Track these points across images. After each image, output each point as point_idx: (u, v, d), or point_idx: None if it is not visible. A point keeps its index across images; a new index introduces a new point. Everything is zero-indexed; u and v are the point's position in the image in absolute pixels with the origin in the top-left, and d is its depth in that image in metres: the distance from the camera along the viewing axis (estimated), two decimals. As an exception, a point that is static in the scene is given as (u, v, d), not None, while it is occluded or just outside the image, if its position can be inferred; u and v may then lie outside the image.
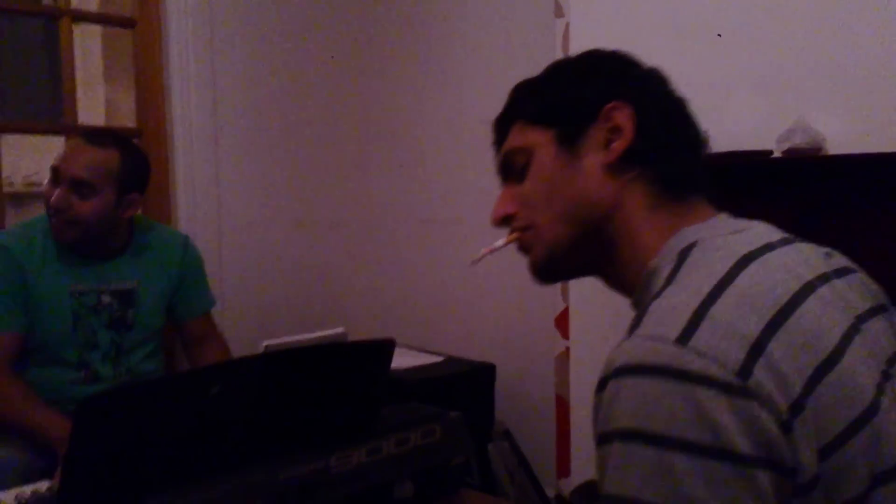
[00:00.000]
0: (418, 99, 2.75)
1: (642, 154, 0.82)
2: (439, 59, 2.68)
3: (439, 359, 2.41)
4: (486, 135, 2.54)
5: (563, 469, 2.30)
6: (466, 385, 2.30)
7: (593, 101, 0.84)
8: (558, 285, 2.26)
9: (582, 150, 0.84)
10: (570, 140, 0.84)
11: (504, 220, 0.90)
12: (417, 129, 2.76)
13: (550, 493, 2.31)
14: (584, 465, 2.22)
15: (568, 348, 2.28)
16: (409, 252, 2.82)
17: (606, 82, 0.85)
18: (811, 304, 0.68)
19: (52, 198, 1.81)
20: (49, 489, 1.30)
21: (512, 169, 0.90)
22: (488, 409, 2.32)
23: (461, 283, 2.64)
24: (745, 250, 0.73)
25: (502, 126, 0.92)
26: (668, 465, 0.60)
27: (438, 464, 1.23)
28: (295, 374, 1.07)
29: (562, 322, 2.30)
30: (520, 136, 0.89)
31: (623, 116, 0.82)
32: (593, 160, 0.83)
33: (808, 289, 0.70)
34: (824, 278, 0.74)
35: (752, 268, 0.70)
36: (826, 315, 0.69)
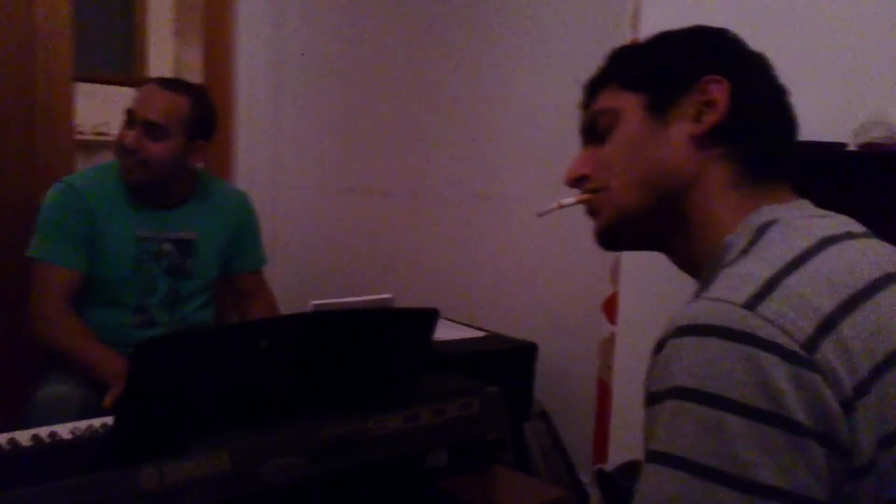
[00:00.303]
0: (478, 75, 2.74)
1: (732, 132, 0.80)
2: (501, 35, 2.67)
3: (481, 334, 2.42)
4: (543, 114, 2.54)
5: (600, 454, 2.30)
6: (507, 363, 2.31)
7: (690, 72, 0.82)
8: (608, 270, 2.25)
9: (671, 119, 0.82)
10: (660, 107, 0.83)
11: (578, 181, 0.89)
12: (475, 105, 2.76)
13: (585, 477, 2.31)
14: (622, 452, 2.22)
15: (614, 333, 2.28)
16: (458, 226, 2.83)
17: (708, 55, 0.84)
18: (888, 293, 0.67)
19: (126, 139, 1.88)
20: (104, 425, 1.35)
21: (595, 131, 0.89)
22: (527, 388, 2.32)
23: (509, 261, 2.65)
24: (827, 233, 0.71)
25: (594, 88, 0.91)
26: (722, 426, 0.59)
27: (473, 437, 1.25)
28: (340, 335, 1.10)
29: (609, 307, 2.29)
30: (610, 99, 0.87)
31: (719, 91, 0.81)
32: (681, 130, 0.81)
33: (888, 279, 0.68)
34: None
35: (833, 249, 0.69)
36: None
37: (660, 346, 0.66)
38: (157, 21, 3.88)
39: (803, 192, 0.85)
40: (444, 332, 2.32)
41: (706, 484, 0.59)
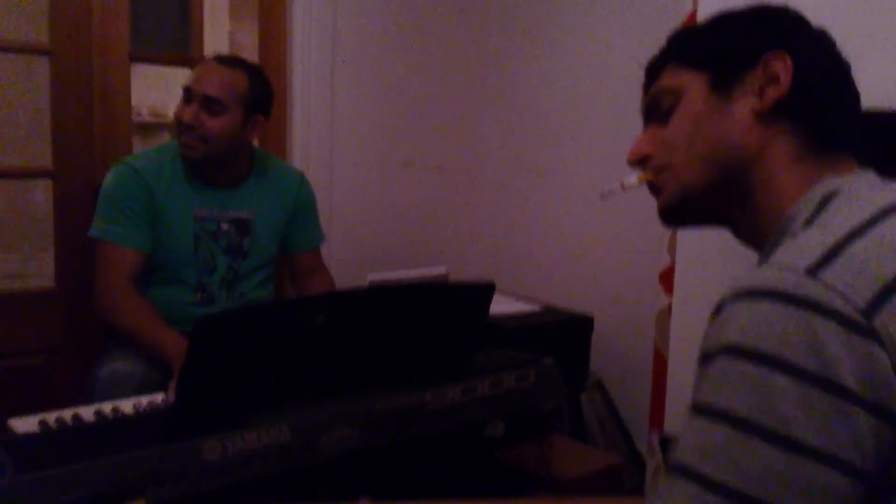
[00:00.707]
0: (536, 51, 2.72)
1: (795, 107, 0.80)
2: (560, 12, 2.64)
3: (537, 307, 2.42)
4: (599, 91, 2.51)
5: (656, 424, 2.29)
6: (563, 335, 2.31)
7: (753, 48, 0.83)
8: (665, 241, 2.22)
9: (734, 95, 0.83)
10: (723, 84, 0.84)
11: (641, 161, 0.90)
12: (531, 81, 2.73)
13: (641, 446, 2.30)
14: (678, 421, 2.20)
15: (670, 304, 2.25)
16: (514, 200, 2.83)
17: (770, 32, 0.84)
18: None
19: (184, 115, 1.91)
20: (164, 401, 1.39)
21: (657, 110, 0.89)
22: (583, 359, 2.32)
23: (565, 235, 2.63)
24: (890, 203, 0.70)
25: (655, 68, 0.92)
26: (769, 384, 0.59)
27: (530, 408, 1.25)
28: (397, 309, 1.11)
29: (666, 278, 2.26)
30: (672, 78, 0.88)
31: (782, 66, 0.81)
32: (744, 105, 0.82)
33: None
34: None
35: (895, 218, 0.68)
36: None
37: (718, 309, 0.66)
38: (212, 2, 3.93)
39: (868, 162, 0.83)
40: (500, 306, 2.32)
41: (745, 436, 0.60)
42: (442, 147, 2.91)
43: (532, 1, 2.72)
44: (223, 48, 3.95)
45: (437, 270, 1.83)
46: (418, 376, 1.12)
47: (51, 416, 1.18)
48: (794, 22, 0.86)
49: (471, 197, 2.92)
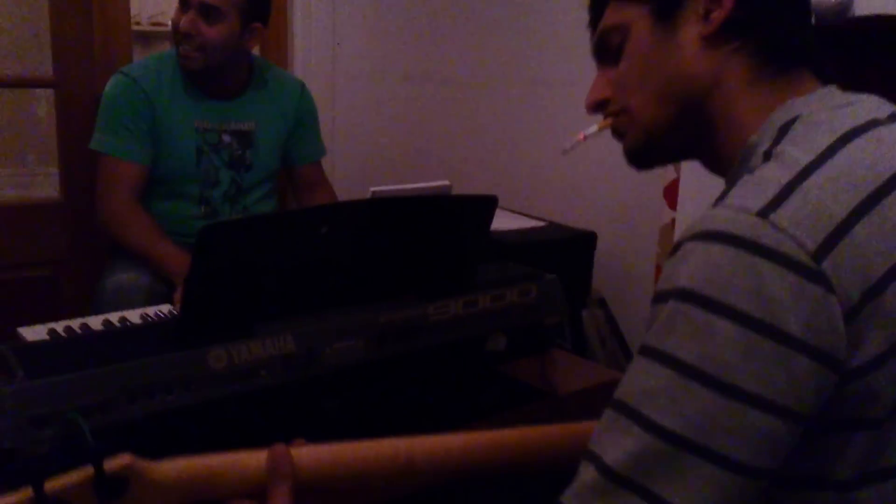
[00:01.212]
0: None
1: (743, 24, 0.77)
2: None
3: (540, 223, 2.42)
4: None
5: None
6: (566, 251, 2.31)
7: None
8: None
9: (679, 23, 0.80)
10: (666, 12, 0.80)
11: (599, 106, 0.88)
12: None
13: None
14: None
15: (674, 219, 2.25)
16: (517, 113, 2.79)
17: None
18: None
19: (181, 23, 1.87)
20: (170, 312, 1.40)
21: (607, 50, 0.87)
22: (586, 276, 2.33)
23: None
24: (850, 125, 0.69)
25: (597, 5, 0.89)
26: (713, 330, 0.60)
27: (532, 322, 1.26)
28: (399, 221, 1.11)
29: (670, 193, 2.26)
30: (615, 14, 0.85)
31: None
32: (691, 32, 0.79)
33: None
34: None
35: (857, 142, 0.67)
36: None
37: (675, 249, 0.66)
38: None
39: (830, 77, 0.81)
40: (503, 221, 2.32)
41: (686, 381, 0.61)
42: (444, 59, 2.87)
43: None
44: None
45: (440, 183, 1.82)
46: (421, 289, 1.13)
47: (59, 325, 1.20)
48: None
49: (474, 109, 2.89)
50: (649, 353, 0.64)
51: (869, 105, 0.74)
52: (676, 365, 0.62)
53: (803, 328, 0.59)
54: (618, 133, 0.88)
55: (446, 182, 1.84)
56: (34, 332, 1.18)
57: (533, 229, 2.37)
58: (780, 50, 0.78)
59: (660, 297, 0.66)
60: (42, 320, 1.23)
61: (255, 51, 2.07)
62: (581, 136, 0.93)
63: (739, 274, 0.60)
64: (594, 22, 0.89)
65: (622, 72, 0.85)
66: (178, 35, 1.90)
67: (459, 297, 1.15)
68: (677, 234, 2.37)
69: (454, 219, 1.18)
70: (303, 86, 2.18)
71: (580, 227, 2.37)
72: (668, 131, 0.83)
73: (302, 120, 2.14)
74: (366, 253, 1.08)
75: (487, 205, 1.20)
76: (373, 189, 1.54)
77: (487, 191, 1.22)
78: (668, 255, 0.67)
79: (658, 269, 2.31)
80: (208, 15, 1.86)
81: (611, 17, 0.86)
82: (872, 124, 0.70)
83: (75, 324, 1.21)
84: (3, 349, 0.89)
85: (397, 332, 1.09)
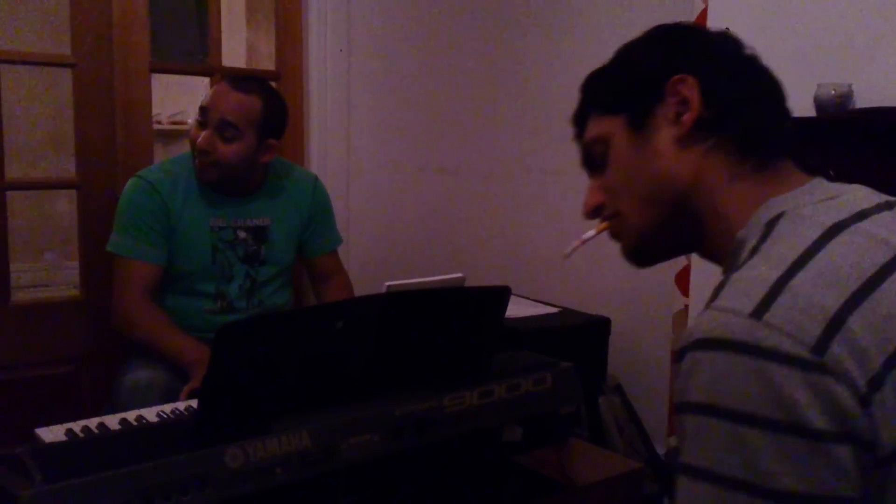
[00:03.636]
0: (549, 52, 2.72)
1: (714, 121, 0.80)
2: (572, 15, 2.64)
3: (554, 310, 2.42)
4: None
5: (675, 427, 2.29)
6: (580, 337, 2.31)
7: (656, 80, 0.83)
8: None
9: (653, 130, 0.83)
10: (639, 122, 0.84)
11: (595, 212, 0.92)
12: (544, 81, 2.74)
13: (660, 449, 2.30)
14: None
15: (687, 306, 2.25)
16: (528, 202, 2.83)
17: (666, 57, 0.84)
18: None
19: (199, 139, 1.92)
20: (187, 409, 1.41)
21: (593, 160, 0.91)
22: (601, 362, 2.32)
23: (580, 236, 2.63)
24: (834, 220, 0.70)
25: (580, 120, 0.93)
26: (743, 439, 0.61)
27: (548, 412, 1.26)
28: (414, 315, 1.12)
29: (682, 279, 2.27)
30: (595, 127, 0.90)
31: (687, 87, 0.81)
32: (665, 136, 0.82)
33: None
34: None
35: (840, 238, 0.68)
36: None
37: (680, 356, 0.67)
38: (229, 10, 3.97)
39: (877, 157, 0.82)
40: (517, 308, 2.33)
41: (735, 494, 0.61)
42: (456, 150, 2.93)
43: (547, 5, 2.73)
44: (241, 56, 3.98)
45: (453, 276, 1.84)
46: (436, 381, 1.13)
47: (77, 426, 1.21)
48: (688, 36, 0.86)
49: (487, 199, 2.93)
50: (689, 471, 0.65)
51: (855, 197, 0.75)
52: (720, 480, 0.62)
53: (827, 420, 0.60)
54: (614, 236, 0.91)
55: (459, 274, 1.86)
56: (52, 434, 1.19)
57: (547, 315, 2.37)
58: (756, 144, 0.80)
59: (679, 408, 0.66)
60: (62, 417, 1.24)
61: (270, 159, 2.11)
62: (580, 242, 0.97)
63: (751, 381, 0.61)
64: (579, 135, 0.93)
65: (609, 179, 0.88)
66: (194, 148, 1.95)
67: (475, 388, 1.16)
68: (690, 321, 2.39)
69: (468, 311, 1.19)
70: (315, 179, 2.23)
71: (594, 313, 2.37)
72: (659, 231, 0.86)
73: (316, 213, 2.18)
74: (381, 346, 1.09)
75: (501, 295, 1.21)
76: (388, 284, 1.56)
77: (501, 277, 1.24)
78: (676, 360, 0.68)
79: (673, 354, 2.30)
80: (225, 132, 1.91)
81: (592, 129, 0.90)
82: (858, 217, 0.71)
83: (93, 423, 1.22)
84: (22, 452, 0.90)
85: (413, 424, 1.08)
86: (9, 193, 2.22)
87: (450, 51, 2.87)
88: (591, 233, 0.95)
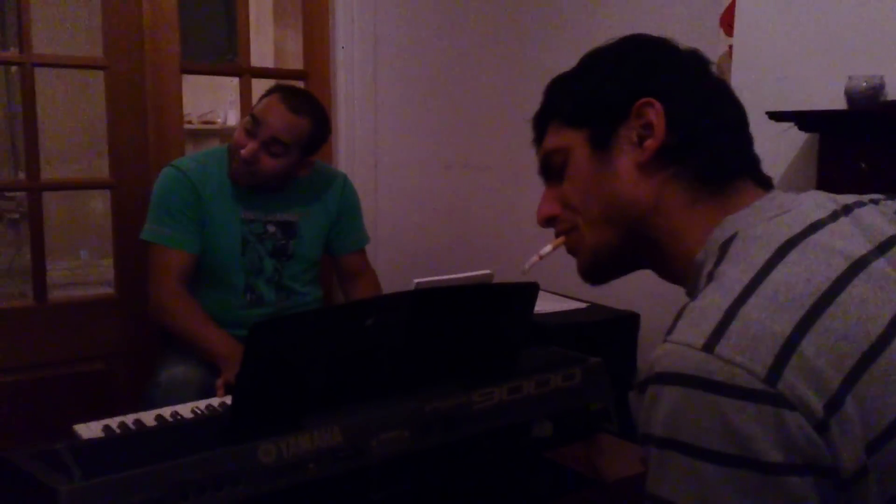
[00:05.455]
0: (576, 47, 2.71)
1: (678, 150, 0.79)
2: (601, 8, 2.63)
3: (583, 305, 2.42)
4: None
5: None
6: (609, 333, 2.30)
7: (623, 100, 0.81)
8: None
9: (615, 151, 0.82)
10: (602, 141, 0.83)
11: (548, 222, 0.90)
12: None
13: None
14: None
15: (716, 302, 2.23)
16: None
17: (636, 77, 0.82)
18: (856, 288, 0.64)
19: (245, 150, 1.93)
20: (222, 404, 1.43)
21: (552, 169, 0.89)
22: (630, 357, 2.31)
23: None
24: (785, 236, 0.69)
25: (540, 125, 0.91)
26: (700, 474, 0.61)
27: (577, 407, 1.26)
28: (443, 312, 1.13)
29: (712, 274, 2.24)
30: (556, 137, 0.88)
31: (654, 112, 0.79)
32: (627, 160, 0.81)
33: (855, 268, 0.66)
34: (885, 247, 0.69)
35: (791, 256, 0.67)
36: (875, 297, 0.64)
37: (641, 388, 0.67)
38: (257, 9, 4.00)
39: (768, 181, 0.81)
40: (545, 304, 2.33)
41: None
42: (483, 147, 2.93)
43: (574, 6, 2.72)
44: (268, 55, 4.01)
45: (481, 273, 1.85)
46: (465, 377, 1.14)
47: (114, 422, 1.23)
48: (659, 56, 0.84)
49: (513, 196, 2.93)
50: (654, 501, 0.65)
51: (807, 207, 0.74)
52: None
53: (782, 452, 0.59)
54: (571, 251, 0.90)
55: (488, 271, 1.87)
56: (89, 430, 1.21)
57: (576, 311, 2.37)
58: (717, 170, 0.79)
59: (643, 440, 0.67)
60: (98, 413, 1.26)
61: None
62: (537, 257, 0.96)
63: (705, 415, 0.61)
64: (538, 140, 0.92)
65: (566, 192, 0.87)
66: (235, 150, 1.96)
67: (504, 384, 1.16)
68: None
69: (497, 307, 1.19)
70: (345, 178, 2.24)
71: (623, 308, 2.36)
72: (614, 251, 0.85)
73: (344, 212, 2.20)
74: (410, 343, 1.10)
75: (529, 292, 1.21)
76: (416, 280, 1.57)
77: (530, 274, 1.23)
78: (638, 392, 0.68)
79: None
80: (272, 149, 1.94)
81: (552, 139, 0.89)
82: (811, 229, 0.70)
83: (129, 419, 1.24)
84: (61, 448, 0.92)
85: (443, 420, 1.09)
86: (45, 194, 2.26)
87: (476, 48, 2.87)
88: (548, 248, 0.93)
